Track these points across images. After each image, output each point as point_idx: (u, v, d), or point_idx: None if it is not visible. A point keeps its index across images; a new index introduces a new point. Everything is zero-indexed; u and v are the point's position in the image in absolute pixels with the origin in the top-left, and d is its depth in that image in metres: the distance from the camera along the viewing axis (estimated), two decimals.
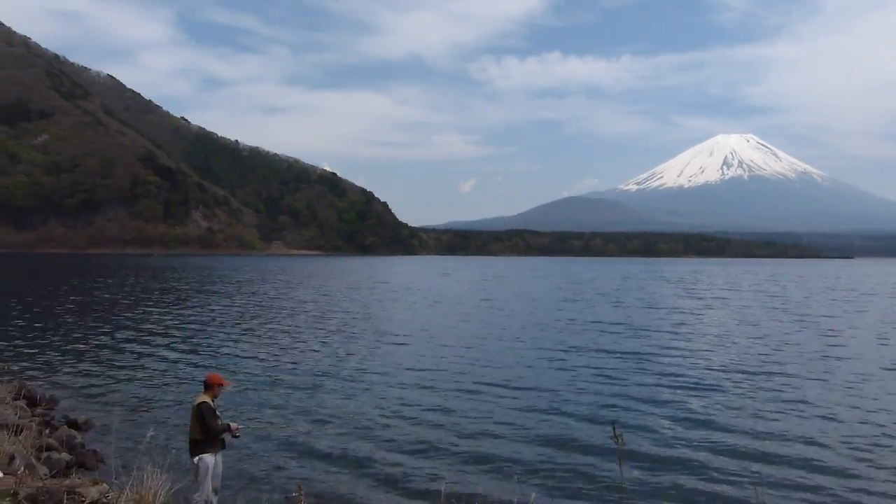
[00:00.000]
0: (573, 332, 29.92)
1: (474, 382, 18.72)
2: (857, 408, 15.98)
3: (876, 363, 22.24)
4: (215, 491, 8.95)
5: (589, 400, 16.71)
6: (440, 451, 12.68)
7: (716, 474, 11.47)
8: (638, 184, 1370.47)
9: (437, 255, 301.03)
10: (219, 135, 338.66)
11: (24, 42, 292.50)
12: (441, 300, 48.76)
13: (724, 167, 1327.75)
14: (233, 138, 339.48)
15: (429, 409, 15.64)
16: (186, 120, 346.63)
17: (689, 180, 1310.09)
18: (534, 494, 9.49)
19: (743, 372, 20.41)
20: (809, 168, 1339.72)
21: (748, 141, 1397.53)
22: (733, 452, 12.54)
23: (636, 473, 11.40)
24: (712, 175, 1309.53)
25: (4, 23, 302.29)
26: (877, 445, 12.96)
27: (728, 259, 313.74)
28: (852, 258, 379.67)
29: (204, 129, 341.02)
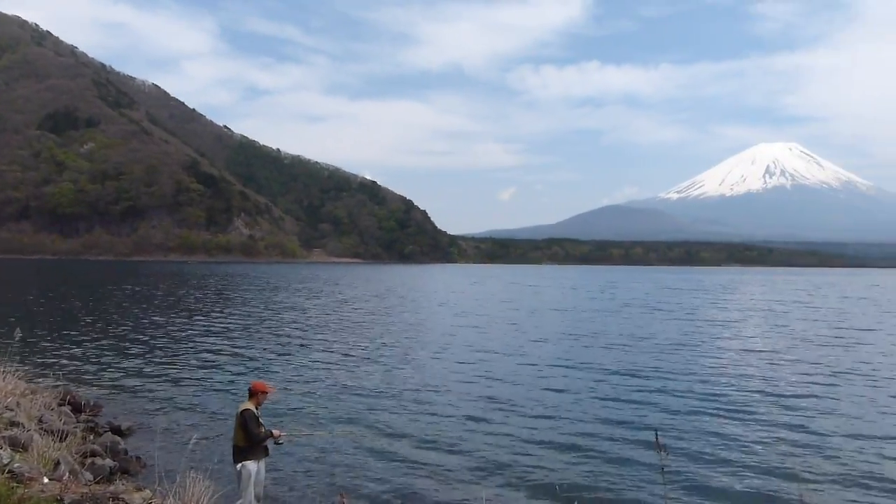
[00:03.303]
0: (609, 346, 29.44)
1: (513, 391, 18.49)
2: None
3: None
4: (258, 498, 8.94)
5: (629, 417, 16.35)
6: (481, 464, 12.48)
7: (760, 493, 11.09)
8: (678, 192, 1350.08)
9: (476, 263, 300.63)
10: (261, 143, 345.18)
11: (72, 51, 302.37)
12: (480, 312, 48.55)
13: (767, 176, 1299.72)
14: (275, 147, 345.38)
15: (471, 422, 15.43)
16: (229, 128, 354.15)
17: (731, 189, 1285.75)
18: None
19: (785, 392, 19.73)
20: (854, 177, 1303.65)
21: (791, 149, 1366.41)
22: (777, 473, 12.10)
23: (680, 491, 11.08)
24: (754, 184, 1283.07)
25: (53, 32, 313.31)
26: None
27: (771, 268, 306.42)
28: None
29: (246, 137, 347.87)
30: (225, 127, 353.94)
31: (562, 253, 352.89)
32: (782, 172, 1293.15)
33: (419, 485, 11.38)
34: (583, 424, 15.20)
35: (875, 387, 19.59)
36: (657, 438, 6.62)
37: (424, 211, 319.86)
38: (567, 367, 22.72)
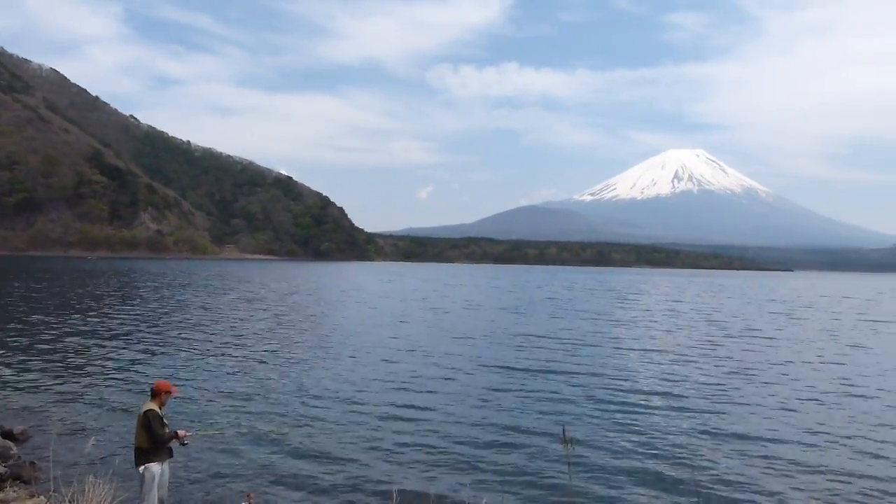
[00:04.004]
0: (519, 345, 30.14)
1: (422, 389, 18.67)
2: (794, 418, 16.47)
3: (815, 373, 23.00)
4: (162, 501, 8.67)
5: (536, 409, 16.83)
6: (391, 457, 12.62)
7: (660, 479, 11.69)
8: (592, 195, 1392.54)
9: (393, 261, 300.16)
10: (170, 134, 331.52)
11: None
12: (394, 311, 48.60)
13: (675, 180, 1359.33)
14: (185, 139, 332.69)
15: (380, 416, 15.52)
16: (136, 118, 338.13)
17: (642, 192, 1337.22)
18: (485, 499, 9.50)
19: (683, 387, 20.81)
20: (755, 184, 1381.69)
21: (698, 156, 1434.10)
22: (677, 459, 12.77)
23: (584, 477, 11.55)
24: (664, 188, 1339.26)
25: None
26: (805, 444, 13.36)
27: (677, 270, 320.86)
28: (792, 271, 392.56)
29: (154, 128, 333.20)
30: (131, 117, 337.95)
31: (479, 252, 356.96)
32: (690, 178, 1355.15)
33: (328, 482, 11.33)
34: (493, 422, 15.51)
35: (766, 383, 20.88)
36: (564, 432, 6.86)
37: (341, 208, 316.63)
38: (478, 365, 23.10)
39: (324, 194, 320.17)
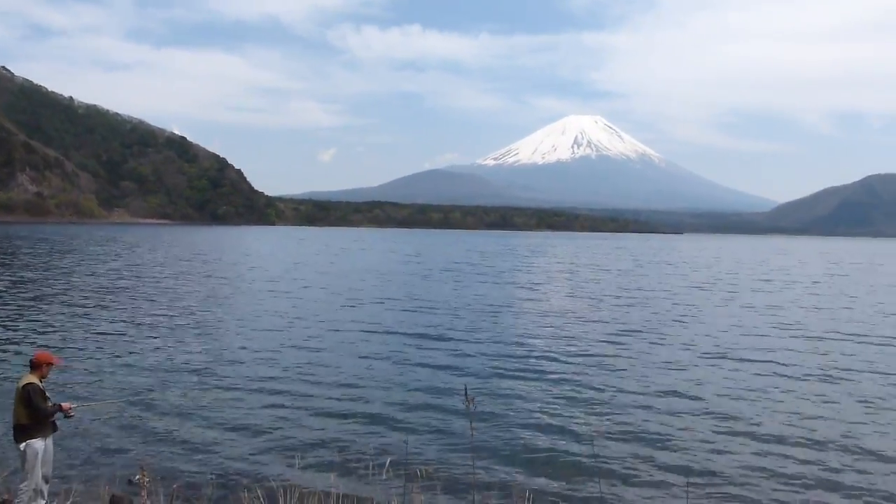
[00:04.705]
0: (418, 310, 30.40)
1: (321, 355, 18.56)
2: (669, 366, 17.54)
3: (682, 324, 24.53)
4: (46, 479, 8.22)
5: (438, 371, 17.09)
6: (288, 433, 12.35)
7: (556, 429, 12.20)
8: (495, 159, 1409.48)
9: (295, 225, 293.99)
10: (49, 89, 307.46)
11: None
12: (293, 277, 47.79)
13: (575, 146, 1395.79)
14: (66, 94, 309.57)
15: (276, 393, 15.16)
16: (8, 70, 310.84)
17: (543, 157, 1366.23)
18: (388, 459, 9.59)
19: (581, 349, 21.68)
20: (649, 150, 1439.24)
21: (596, 122, 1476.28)
22: (570, 408, 13.34)
23: (486, 433, 11.88)
24: (564, 153, 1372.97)
25: None
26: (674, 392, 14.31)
27: (576, 233, 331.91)
28: (682, 234, 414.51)
29: (31, 81, 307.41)
30: (3, 68, 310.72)
31: (382, 216, 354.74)
32: (588, 143, 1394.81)
33: (224, 452, 11.08)
34: (397, 383, 15.61)
35: (661, 343, 21.96)
36: (466, 391, 7.00)
37: (240, 170, 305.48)
38: (378, 332, 22.95)
39: (221, 156, 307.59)
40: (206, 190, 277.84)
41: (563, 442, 11.75)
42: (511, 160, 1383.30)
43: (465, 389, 7.19)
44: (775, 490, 9.80)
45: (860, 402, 14.65)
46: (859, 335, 23.70)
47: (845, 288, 44.52)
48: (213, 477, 9.98)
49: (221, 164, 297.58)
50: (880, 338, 23.13)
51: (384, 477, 9.29)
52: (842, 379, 16.74)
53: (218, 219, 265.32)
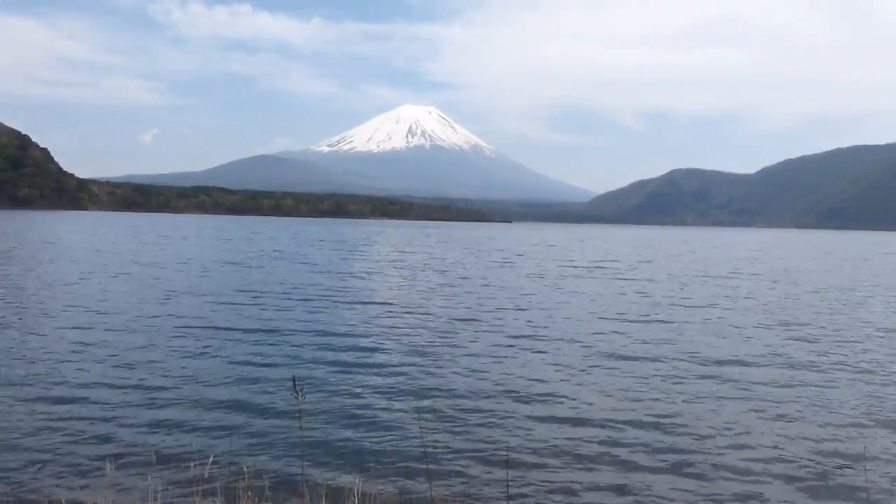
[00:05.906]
0: (240, 300, 29.01)
1: (134, 362, 16.90)
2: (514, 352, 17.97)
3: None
4: None
5: (264, 365, 16.17)
6: (111, 418, 11.12)
7: (385, 420, 11.86)
8: (330, 146, 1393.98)
9: (111, 210, 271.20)
10: None
11: None
12: (100, 267, 43.75)
13: (409, 135, 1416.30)
14: None
15: (69, 393, 13.55)
16: None
17: (378, 145, 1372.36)
18: (212, 456, 8.84)
19: (411, 340, 21.63)
20: (480, 142, 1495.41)
21: (430, 113, 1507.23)
22: (400, 400, 13.08)
23: (315, 423, 11.34)
24: (399, 142, 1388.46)
25: None
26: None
27: (410, 221, 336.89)
28: (511, 223, 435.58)
29: None
30: None
31: (210, 202, 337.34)
32: (423, 133, 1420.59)
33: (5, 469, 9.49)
34: (219, 380, 14.43)
35: (491, 331, 22.25)
36: (294, 383, 6.62)
37: (45, 149, 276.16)
38: (197, 326, 20.96)
39: (23, 133, 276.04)
40: (4, 170, 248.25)
41: (394, 437, 11.39)
42: (346, 147, 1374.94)
43: (294, 380, 6.73)
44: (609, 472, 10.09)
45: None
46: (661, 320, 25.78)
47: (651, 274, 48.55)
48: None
49: (23, 142, 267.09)
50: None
51: (206, 476, 8.44)
52: (631, 357, 17.92)
53: (19, 202, 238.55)
